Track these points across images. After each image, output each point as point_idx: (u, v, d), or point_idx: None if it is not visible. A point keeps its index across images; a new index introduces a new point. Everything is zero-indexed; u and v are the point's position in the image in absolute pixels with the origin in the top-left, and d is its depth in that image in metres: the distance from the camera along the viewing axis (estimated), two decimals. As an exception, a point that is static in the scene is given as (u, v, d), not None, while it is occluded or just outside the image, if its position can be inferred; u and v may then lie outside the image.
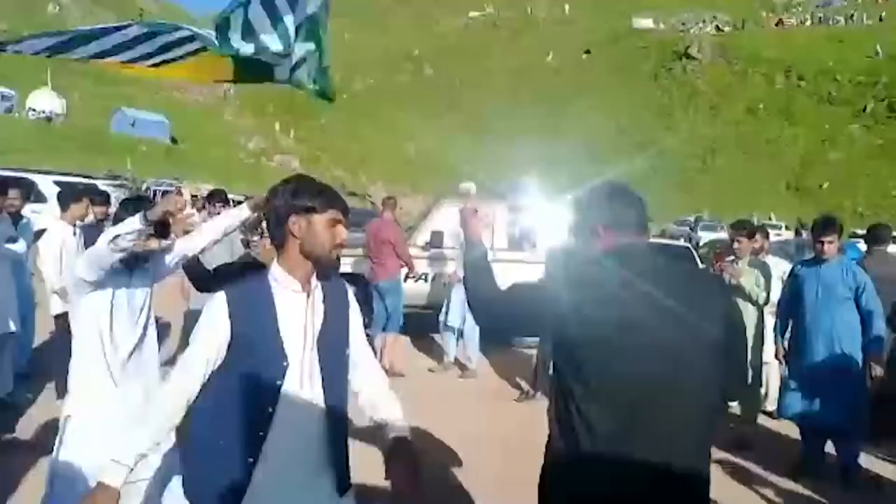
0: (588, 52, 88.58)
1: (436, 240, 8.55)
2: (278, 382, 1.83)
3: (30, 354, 5.77)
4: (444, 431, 5.26)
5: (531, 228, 9.20)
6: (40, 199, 10.83)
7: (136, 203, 2.75)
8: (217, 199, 6.39)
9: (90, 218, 5.65)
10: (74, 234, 5.17)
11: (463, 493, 4.25)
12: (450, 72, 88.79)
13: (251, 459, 1.80)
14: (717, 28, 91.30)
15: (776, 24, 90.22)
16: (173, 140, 53.29)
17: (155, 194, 15.89)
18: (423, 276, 8.67)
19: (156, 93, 68.67)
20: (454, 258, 7.71)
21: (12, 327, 4.81)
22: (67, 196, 5.34)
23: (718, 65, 77.48)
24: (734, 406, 6.03)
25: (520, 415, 5.99)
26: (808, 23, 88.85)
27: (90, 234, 5.37)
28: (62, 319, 5.00)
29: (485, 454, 4.83)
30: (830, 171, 55.63)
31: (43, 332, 6.28)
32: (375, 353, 6.84)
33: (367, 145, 70.69)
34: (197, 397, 1.86)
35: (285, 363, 1.85)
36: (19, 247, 4.72)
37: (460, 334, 7.36)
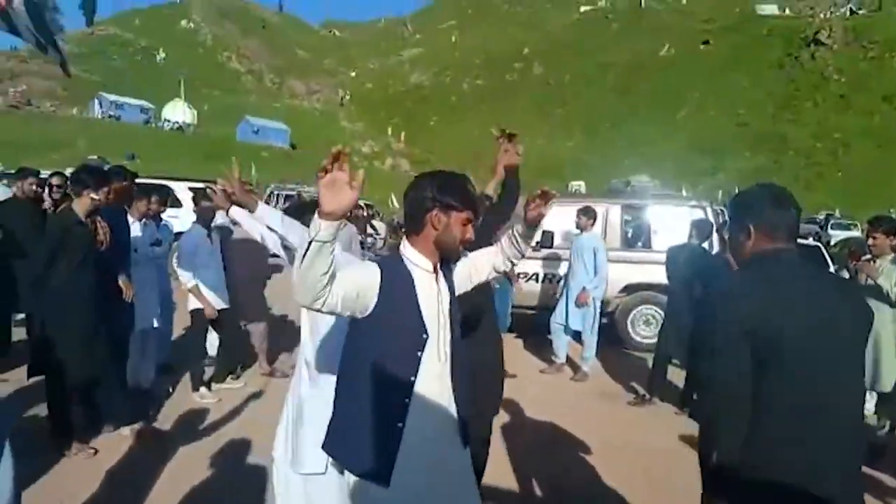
0: (707, 42, 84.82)
1: (546, 240, 8.45)
2: (419, 353, 2.03)
3: (169, 349, 6.24)
4: (558, 433, 5.24)
5: (645, 227, 8.97)
6: (176, 204, 11.68)
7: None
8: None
9: (221, 220, 5.96)
10: (209, 235, 5.51)
11: (578, 494, 4.22)
12: (560, 69, 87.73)
13: (400, 424, 1.99)
14: (851, 11, 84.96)
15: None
16: (293, 146, 55.87)
17: (277, 198, 16.74)
18: (535, 276, 8.64)
19: (277, 101, 72.29)
20: (566, 258, 7.64)
21: (155, 323, 5.25)
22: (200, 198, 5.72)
23: (851, 50, 72.05)
24: (869, 414, 5.64)
25: (633, 417, 5.87)
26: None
27: (225, 235, 5.77)
28: (196, 315, 5.41)
29: (601, 457, 4.77)
30: (982, 161, 50.52)
31: (177, 328, 6.78)
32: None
33: (476, 146, 71.17)
34: (344, 363, 2.13)
35: (425, 336, 2.04)
36: (162, 250, 5.14)
37: (574, 335, 7.27)
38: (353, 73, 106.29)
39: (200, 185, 12.90)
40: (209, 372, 5.66)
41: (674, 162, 56.64)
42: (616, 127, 74.30)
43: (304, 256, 1.76)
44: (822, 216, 36.10)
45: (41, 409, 4.47)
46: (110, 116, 50.63)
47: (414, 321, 2.03)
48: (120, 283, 4.50)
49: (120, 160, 30.36)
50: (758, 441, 1.81)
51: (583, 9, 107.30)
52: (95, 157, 25.22)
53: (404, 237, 2.18)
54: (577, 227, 7.18)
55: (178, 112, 53.46)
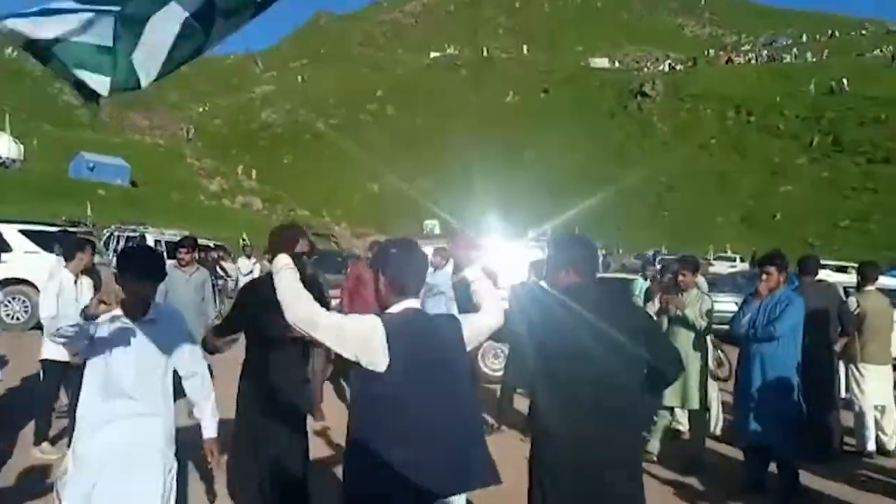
0: (546, 91, 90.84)
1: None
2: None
3: None
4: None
5: (493, 266, 9.52)
6: (5, 248, 10.84)
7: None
8: (185, 245, 6.61)
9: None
10: (75, 282, 5.29)
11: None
12: (413, 111, 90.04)
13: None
14: (670, 66, 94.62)
15: (726, 62, 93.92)
16: (133, 184, 52.82)
17: (118, 240, 15.84)
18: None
19: (116, 135, 68.23)
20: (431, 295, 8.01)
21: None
22: (72, 247, 5.50)
23: (672, 102, 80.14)
24: (684, 429, 6.39)
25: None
26: (755, 61, 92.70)
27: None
28: (50, 365, 5.21)
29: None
30: (782, 202, 57.60)
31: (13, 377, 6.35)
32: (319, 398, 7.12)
33: (330, 185, 71.06)
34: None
35: None
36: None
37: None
38: (201, 109, 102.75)
39: (34, 227, 12.04)
40: (56, 426, 5.38)
41: (523, 203, 59.64)
42: (467, 169, 77.14)
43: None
44: (650, 252, 39.47)
45: None
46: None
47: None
48: None
49: (-69, 198, 27.31)
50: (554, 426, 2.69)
51: (432, 55, 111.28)
52: None
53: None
54: (432, 266, 7.60)
55: (1, 146, 48.93)
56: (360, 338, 2.27)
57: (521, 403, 6.96)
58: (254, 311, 3.63)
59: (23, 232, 11.39)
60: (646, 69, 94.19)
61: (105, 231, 18.35)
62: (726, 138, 70.52)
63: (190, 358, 3.12)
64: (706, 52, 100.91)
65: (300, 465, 3.79)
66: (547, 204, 63.48)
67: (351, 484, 2.36)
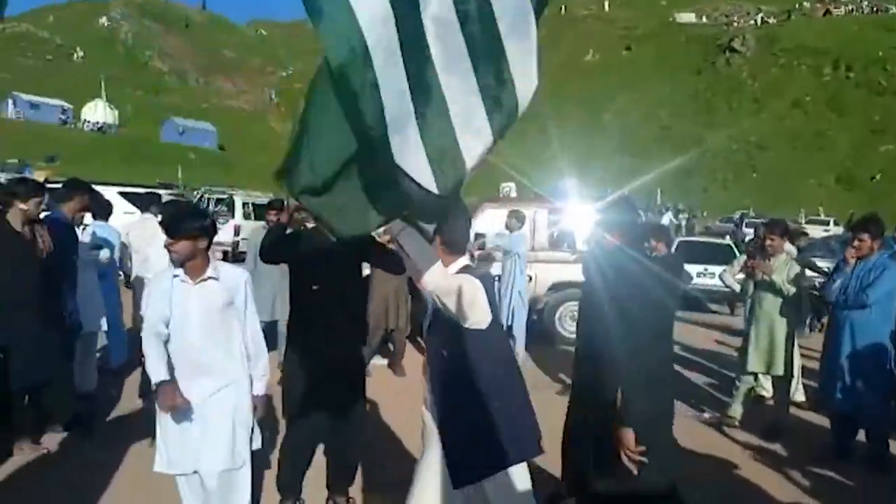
0: (629, 48, 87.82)
1: (479, 242, 8.87)
2: None
3: (124, 354, 6.29)
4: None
5: (570, 229, 9.47)
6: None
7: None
8: (274, 207, 6.87)
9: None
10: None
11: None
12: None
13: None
14: (762, 20, 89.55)
15: (823, 14, 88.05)
16: (221, 147, 54.73)
17: (208, 202, 16.55)
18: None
19: (203, 102, 70.61)
20: (498, 260, 8.06)
21: (103, 326, 5.37)
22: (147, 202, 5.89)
23: (763, 58, 76.01)
24: (767, 395, 6.26)
25: (561, 405, 6.29)
26: (856, 12, 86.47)
27: None
28: None
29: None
30: (882, 163, 54.21)
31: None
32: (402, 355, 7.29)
33: (408, 148, 71.39)
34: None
35: None
36: (104, 253, 5.25)
37: (507, 332, 7.72)
38: (283, 74, 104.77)
39: (131, 189, 12.75)
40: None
41: (599, 163, 58.43)
42: (544, 131, 75.92)
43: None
44: (737, 215, 38.07)
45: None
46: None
47: None
48: None
49: (39, 162, 29.24)
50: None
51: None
52: (15, 160, 24.24)
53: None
54: (507, 229, 7.65)
55: (98, 112, 51.58)
56: (472, 299, 2.35)
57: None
58: (310, 256, 3.59)
59: (121, 194, 12.08)
60: (736, 23, 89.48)
61: (195, 193, 19.22)
62: (822, 95, 66.48)
63: (247, 315, 3.13)
64: (801, 4, 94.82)
65: (351, 427, 3.79)
66: (628, 165, 62.04)
67: (452, 431, 2.52)
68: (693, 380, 7.61)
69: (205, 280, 3.01)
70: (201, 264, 3.01)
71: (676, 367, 7.08)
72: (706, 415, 6.10)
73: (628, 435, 2.73)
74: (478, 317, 2.37)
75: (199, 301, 2.99)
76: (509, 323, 7.60)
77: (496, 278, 8.32)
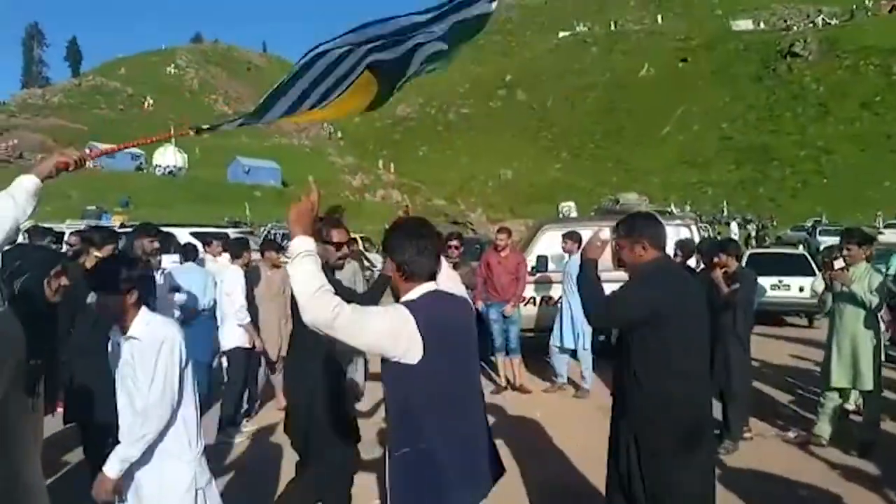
0: (685, 59, 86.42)
1: (541, 264, 8.79)
2: None
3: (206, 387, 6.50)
4: (567, 446, 5.52)
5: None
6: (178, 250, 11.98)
7: None
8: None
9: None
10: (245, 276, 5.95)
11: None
12: (542, 94, 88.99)
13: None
14: (824, 21, 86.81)
15: (889, 11, 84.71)
16: (284, 184, 56.26)
17: (275, 237, 17.02)
18: (531, 300, 8.92)
19: (265, 141, 72.93)
20: (559, 281, 7.97)
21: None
22: (238, 247, 6.10)
23: (827, 60, 73.54)
24: (852, 409, 5.96)
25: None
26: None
27: (253, 276, 6.12)
28: (236, 353, 5.81)
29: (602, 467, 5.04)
30: (964, 162, 51.42)
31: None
32: (499, 375, 7.23)
33: (464, 173, 71.92)
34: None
35: None
36: (181, 296, 5.47)
37: (572, 354, 7.60)
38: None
39: (202, 230, 13.22)
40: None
41: (661, 177, 57.43)
42: (601, 147, 75.18)
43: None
44: (809, 223, 36.66)
45: (77, 455, 4.72)
46: (97, 165, 50.93)
47: None
48: None
49: (114, 207, 30.65)
50: None
51: (561, 34, 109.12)
52: (93, 206, 25.47)
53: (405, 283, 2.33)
54: (564, 251, 7.55)
55: (168, 157, 53.87)
56: (390, 332, 2.12)
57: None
58: None
59: (193, 234, 12.55)
60: (795, 27, 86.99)
61: (262, 229, 19.80)
62: (892, 95, 63.67)
63: (138, 382, 2.71)
64: (864, 3, 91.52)
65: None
66: (690, 178, 60.73)
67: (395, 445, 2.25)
68: (774, 397, 7.30)
69: (129, 338, 2.74)
70: (131, 319, 2.74)
71: (756, 385, 6.82)
72: (791, 434, 5.84)
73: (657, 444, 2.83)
74: (399, 351, 2.12)
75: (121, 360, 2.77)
76: (573, 347, 7.50)
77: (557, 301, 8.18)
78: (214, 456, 5.27)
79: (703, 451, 2.95)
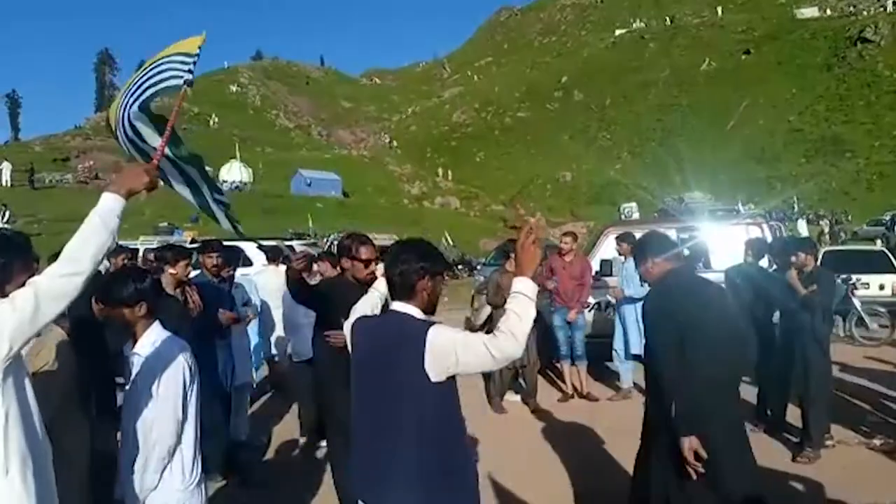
0: (748, 51, 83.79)
1: (605, 268, 8.63)
2: None
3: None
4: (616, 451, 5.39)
5: (702, 247, 8.97)
6: (247, 263, 12.29)
7: None
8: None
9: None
10: None
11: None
12: (600, 93, 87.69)
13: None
14: (894, 4, 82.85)
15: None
16: (345, 194, 57.16)
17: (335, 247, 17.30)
18: (598, 305, 8.77)
19: (326, 153, 74.33)
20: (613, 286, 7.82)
21: (252, 377, 5.70)
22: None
23: (901, 44, 70.11)
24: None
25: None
26: None
27: None
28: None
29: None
30: None
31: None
32: (566, 383, 7.15)
33: (523, 177, 71.49)
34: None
35: None
36: (252, 309, 5.60)
37: (636, 359, 7.43)
38: (397, 118, 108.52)
39: (268, 242, 13.54)
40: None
41: (727, 174, 55.77)
42: (663, 144, 73.53)
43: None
44: (888, 216, 34.93)
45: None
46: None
47: None
48: (222, 316, 4.97)
49: (185, 223, 31.70)
50: None
51: (617, 32, 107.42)
52: (165, 223, 26.38)
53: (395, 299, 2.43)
54: (619, 254, 7.41)
55: (234, 172, 55.42)
56: None
57: (746, 391, 6.55)
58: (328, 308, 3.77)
59: (260, 247, 12.87)
60: (865, 12, 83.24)
61: (326, 240, 20.15)
62: (972, 77, 60.17)
63: (145, 401, 2.61)
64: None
65: None
66: (760, 174, 58.72)
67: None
68: (857, 402, 6.96)
69: (134, 353, 2.68)
70: (141, 333, 2.68)
71: (837, 390, 6.50)
72: (877, 441, 5.55)
73: (688, 443, 2.86)
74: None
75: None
76: (638, 352, 7.31)
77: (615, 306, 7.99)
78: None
79: (738, 458, 3.02)
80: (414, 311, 2.36)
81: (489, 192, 67.18)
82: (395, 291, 2.40)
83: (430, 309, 2.41)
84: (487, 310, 7.59)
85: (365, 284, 3.54)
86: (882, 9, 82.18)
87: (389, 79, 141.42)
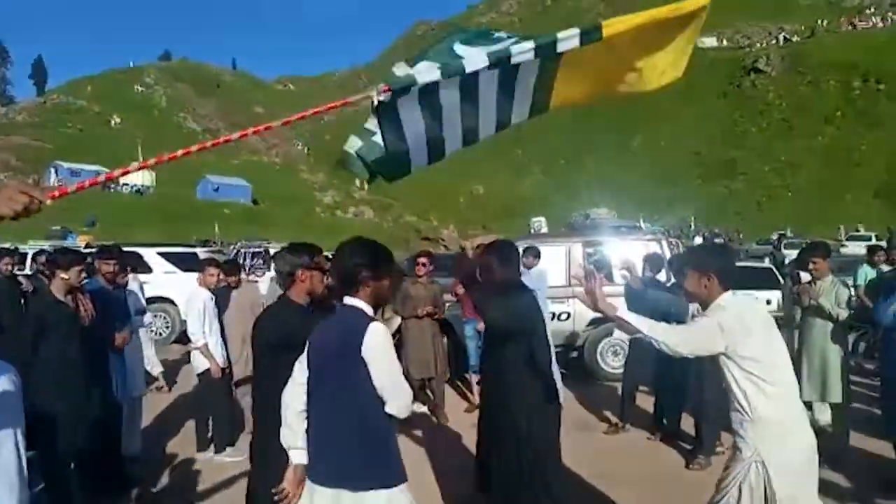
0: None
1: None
2: None
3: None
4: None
5: (606, 263, 9.29)
6: (146, 270, 11.74)
7: None
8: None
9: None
10: (211, 297, 5.77)
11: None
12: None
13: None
14: (785, 38, 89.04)
15: (849, 28, 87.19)
16: (254, 201, 55.80)
17: (245, 256, 16.80)
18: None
19: (235, 158, 72.34)
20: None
21: (143, 391, 5.40)
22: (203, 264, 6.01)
23: (789, 76, 75.39)
24: (824, 423, 6.02)
25: (609, 447, 6.13)
26: (882, 23, 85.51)
27: (222, 298, 5.98)
28: (203, 376, 5.62)
29: (580, 488, 5.01)
30: (922, 174, 52.90)
31: (187, 386, 6.88)
32: (472, 393, 7.14)
33: (436, 190, 72.02)
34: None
35: None
36: (148, 317, 5.32)
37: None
38: (311, 126, 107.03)
39: (170, 249, 13.02)
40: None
41: (631, 192, 58.09)
42: (571, 162, 75.90)
43: None
44: (775, 236, 37.33)
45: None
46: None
47: None
48: (117, 338, 4.70)
49: (80, 227, 30.07)
50: None
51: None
52: (58, 227, 24.91)
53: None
54: (525, 267, 7.53)
55: (136, 175, 53.14)
56: None
57: (644, 401, 6.79)
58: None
59: (161, 254, 12.35)
60: (759, 44, 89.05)
61: (232, 248, 19.53)
62: (853, 110, 65.47)
63: None
64: (824, 20, 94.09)
65: None
66: (660, 192, 61.52)
67: None
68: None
69: None
70: None
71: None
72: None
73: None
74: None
75: None
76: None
77: None
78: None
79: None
80: (361, 304, 2.53)
81: (403, 203, 67.24)
82: (344, 286, 2.57)
83: (379, 303, 2.61)
84: (397, 321, 7.52)
85: (320, 301, 3.37)
86: (774, 41, 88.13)
87: (305, 86, 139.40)
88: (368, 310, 2.52)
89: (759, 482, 2.68)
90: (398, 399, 2.43)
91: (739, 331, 2.69)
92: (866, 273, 8.62)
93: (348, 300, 2.54)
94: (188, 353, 5.99)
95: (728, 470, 2.83)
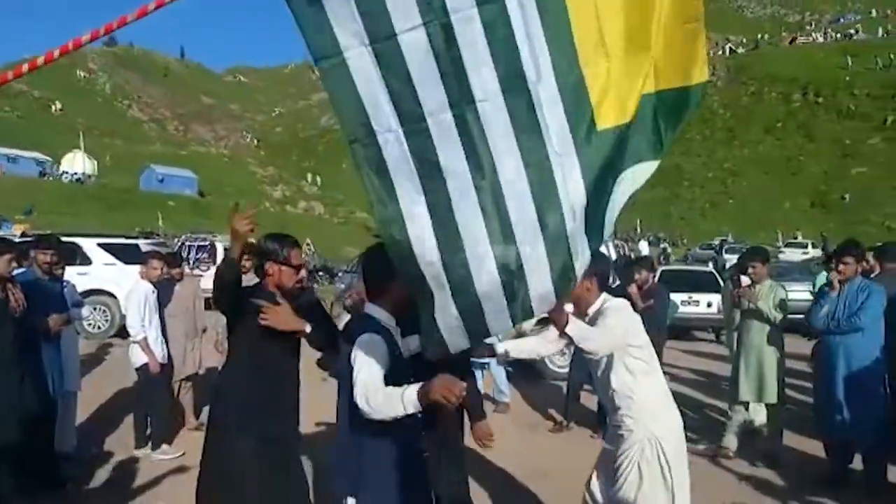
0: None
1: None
2: None
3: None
4: (484, 464, 5.48)
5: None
6: (85, 261, 11.35)
7: None
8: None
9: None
10: (153, 290, 5.61)
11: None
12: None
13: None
14: (731, 50, 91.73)
15: (790, 43, 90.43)
16: (201, 193, 54.55)
17: (190, 249, 16.39)
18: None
19: (182, 149, 70.63)
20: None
21: (78, 386, 5.21)
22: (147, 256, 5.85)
23: (734, 87, 77.71)
24: (760, 423, 6.22)
25: (554, 444, 6.20)
26: (821, 39, 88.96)
27: (164, 290, 5.81)
28: (142, 371, 5.45)
29: (525, 485, 5.05)
30: (854, 185, 55.16)
31: (126, 381, 6.62)
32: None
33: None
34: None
35: None
36: (86, 310, 5.13)
37: (482, 368, 7.50)
38: (261, 118, 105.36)
39: (111, 240, 12.59)
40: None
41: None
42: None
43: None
44: (717, 242, 38.42)
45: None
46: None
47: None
48: (50, 321, 4.54)
49: (17, 215, 28.91)
50: None
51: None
52: (-9, 214, 23.88)
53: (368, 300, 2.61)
54: None
55: (77, 163, 51.26)
56: None
57: (588, 400, 6.89)
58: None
59: (101, 245, 11.94)
60: (707, 54, 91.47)
61: (176, 241, 19.04)
62: (793, 121, 67.94)
63: None
64: (767, 35, 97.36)
65: None
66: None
67: None
68: (684, 410, 7.50)
69: None
70: None
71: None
72: (700, 446, 6.02)
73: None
74: None
75: None
76: (485, 362, 7.42)
77: None
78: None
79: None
80: (379, 312, 2.55)
81: (355, 200, 66.71)
82: (370, 292, 2.61)
83: (402, 311, 2.52)
84: (347, 318, 7.42)
85: (289, 294, 3.20)
86: (721, 52, 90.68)
87: (255, 78, 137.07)
88: (383, 317, 2.54)
89: (654, 456, 2.98)
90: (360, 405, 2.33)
91: (632, 324, 3.08)
92: (822, 279, 8.91)
93: (368, 307, 2.60)
94: (127, 347, 5.80)
95: (622, 453, 3.08)
